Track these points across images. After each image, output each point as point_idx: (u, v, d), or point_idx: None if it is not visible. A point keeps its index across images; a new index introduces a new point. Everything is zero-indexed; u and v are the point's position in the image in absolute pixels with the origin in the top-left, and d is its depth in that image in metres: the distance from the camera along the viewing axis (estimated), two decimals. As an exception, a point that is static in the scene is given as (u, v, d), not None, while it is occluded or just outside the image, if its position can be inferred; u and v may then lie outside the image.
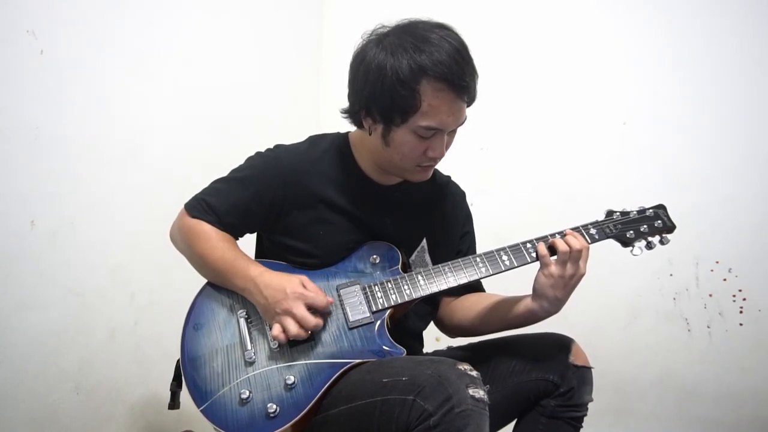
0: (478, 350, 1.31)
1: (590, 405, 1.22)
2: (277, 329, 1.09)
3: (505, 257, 1.19)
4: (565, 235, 1.17)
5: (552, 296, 1.15)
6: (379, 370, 1.03)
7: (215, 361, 1.11)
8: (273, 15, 2.29)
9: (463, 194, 1.43)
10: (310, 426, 1.06)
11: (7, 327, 1.30)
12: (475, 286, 1.36)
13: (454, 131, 1.17)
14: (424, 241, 1.31)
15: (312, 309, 1.10)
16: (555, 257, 1.15)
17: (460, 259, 1.20)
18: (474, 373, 0.97)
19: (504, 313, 1.24)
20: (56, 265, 1.41)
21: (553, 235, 1.19)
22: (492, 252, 1.20)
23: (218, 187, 1.24)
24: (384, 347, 1.12)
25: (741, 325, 1.97)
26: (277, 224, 1.23)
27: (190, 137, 1.83)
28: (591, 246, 1.18)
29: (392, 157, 1.17)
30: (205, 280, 1.23)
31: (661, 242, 1.25)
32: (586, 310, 1.85)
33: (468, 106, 1.14)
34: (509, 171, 2.27)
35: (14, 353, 1.31)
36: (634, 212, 1.26)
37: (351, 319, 1.15)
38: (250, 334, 1.14)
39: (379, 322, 1.15)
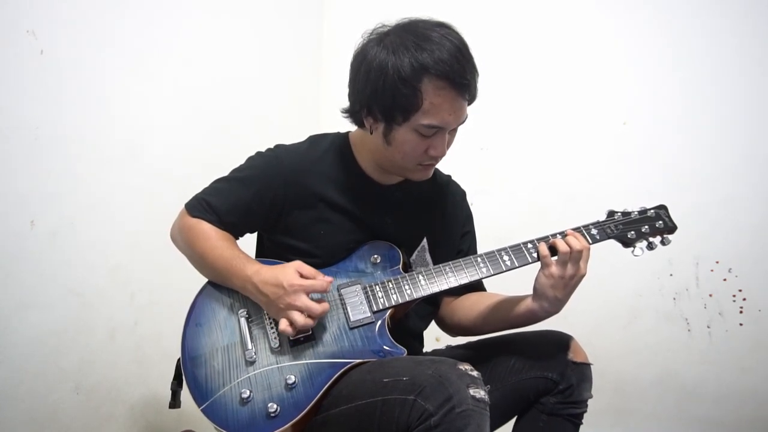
0: (478, 349, 1.31)
1: (590, 405, 1.22)
2: (284, 323, 1.08)
3: (506, 257, 1.19)
4: (566, 235, 1.17)
5: (552, 296, 1.15)
6: (379, 370, 1.03)
7: (216, 360, 1.11)
8: (273, 15, 2.29)
9: (463, 194, 1.43)
10: (311, 426, 1.06)
11: (7, 327, 1.30)
12: (476, 286, 1.36)
13: (455, 130, 1.17)
14: (425, 240, 1.31)
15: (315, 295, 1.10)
16: (556, 257, 1.15)
17: (461, 259, 1.20)
18: (475, 373, 0.97)
19: (505, 312, 1.25)
20: (56, 265, 1.41)
21: (554, 236, 1.19)
22: (493, 252, 1.20)
23: (219, 186, 1.24)
24: (385, 347, 1.12)
25: (741, 325, 1.97)
26: (278, 224, 1.23)
27: (190, 137, 1.83)
28: (591, 246, 1.18)
29: (393, 156, 1.17)
30: (205, 280, 1.23)
31: (663, 243, 1.24)
32: (586, 310, 1.84)
33: (469, 104, 1.14)
34: (509, 171, 2.27)
35: (14, 353, 1.31)
36: (636, 212, 1.25)
37: (352, 318, 1.15)
38: (250, 333, 1.14)
39: (379, 322, 1.15)
